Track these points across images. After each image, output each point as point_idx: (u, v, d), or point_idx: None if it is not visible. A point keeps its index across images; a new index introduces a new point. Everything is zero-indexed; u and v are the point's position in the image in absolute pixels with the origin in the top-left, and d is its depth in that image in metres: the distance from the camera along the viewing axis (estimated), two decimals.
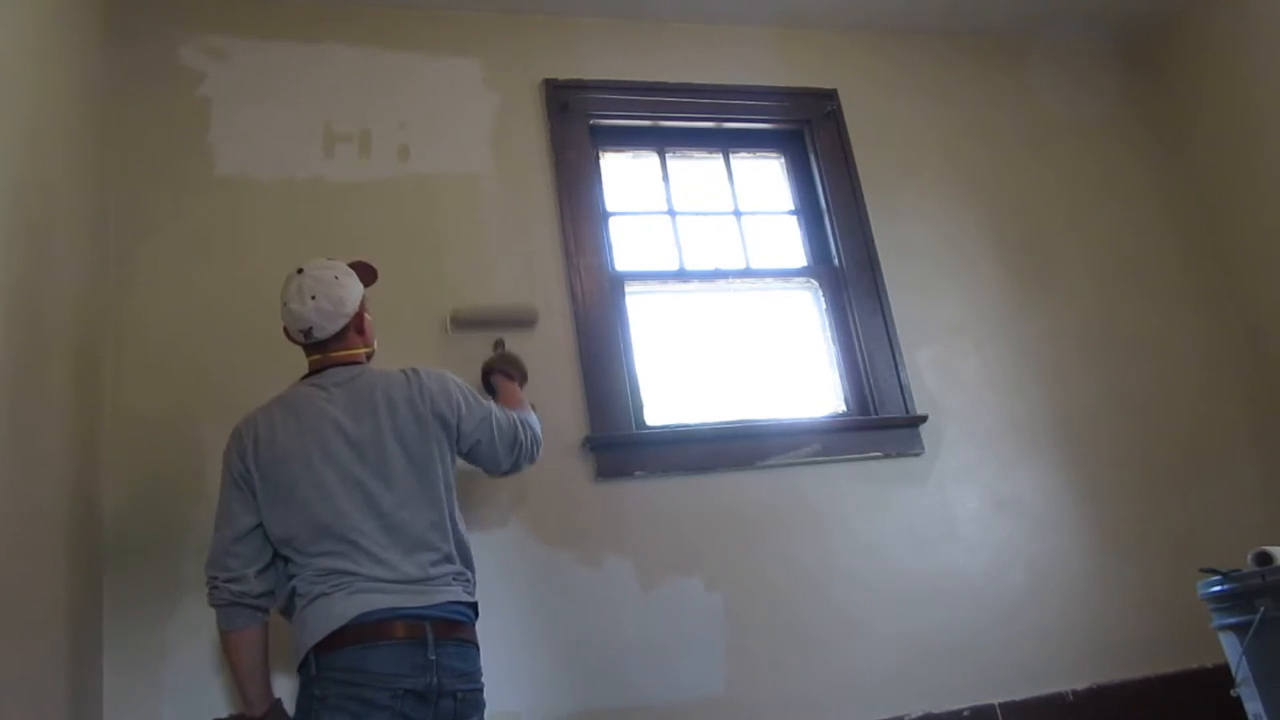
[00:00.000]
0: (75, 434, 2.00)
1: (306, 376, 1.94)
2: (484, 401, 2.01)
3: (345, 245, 2.55)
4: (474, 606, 1.85)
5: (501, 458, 2.01)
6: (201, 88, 2.67)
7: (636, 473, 2.55)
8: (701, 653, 2.42)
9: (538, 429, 2.12)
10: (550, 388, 2.58)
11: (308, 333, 1.89)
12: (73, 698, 1.84)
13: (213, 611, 1.79)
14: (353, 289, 1.93)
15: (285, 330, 1.96)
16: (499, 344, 2.52)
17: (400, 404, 1.87)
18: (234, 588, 1.76)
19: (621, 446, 2.57)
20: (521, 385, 2.36)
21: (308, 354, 1.95)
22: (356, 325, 1.95)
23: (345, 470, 1.79)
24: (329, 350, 1.92)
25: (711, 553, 2.52)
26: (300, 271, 1.91)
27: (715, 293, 2.95)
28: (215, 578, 1.77)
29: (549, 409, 2.55)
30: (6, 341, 1.60)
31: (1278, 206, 3.18)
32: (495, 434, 1.97)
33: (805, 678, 2.46)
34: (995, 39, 3.53)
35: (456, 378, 2.00)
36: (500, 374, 2.37)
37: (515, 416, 2.06)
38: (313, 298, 1.87)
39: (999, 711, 2.53)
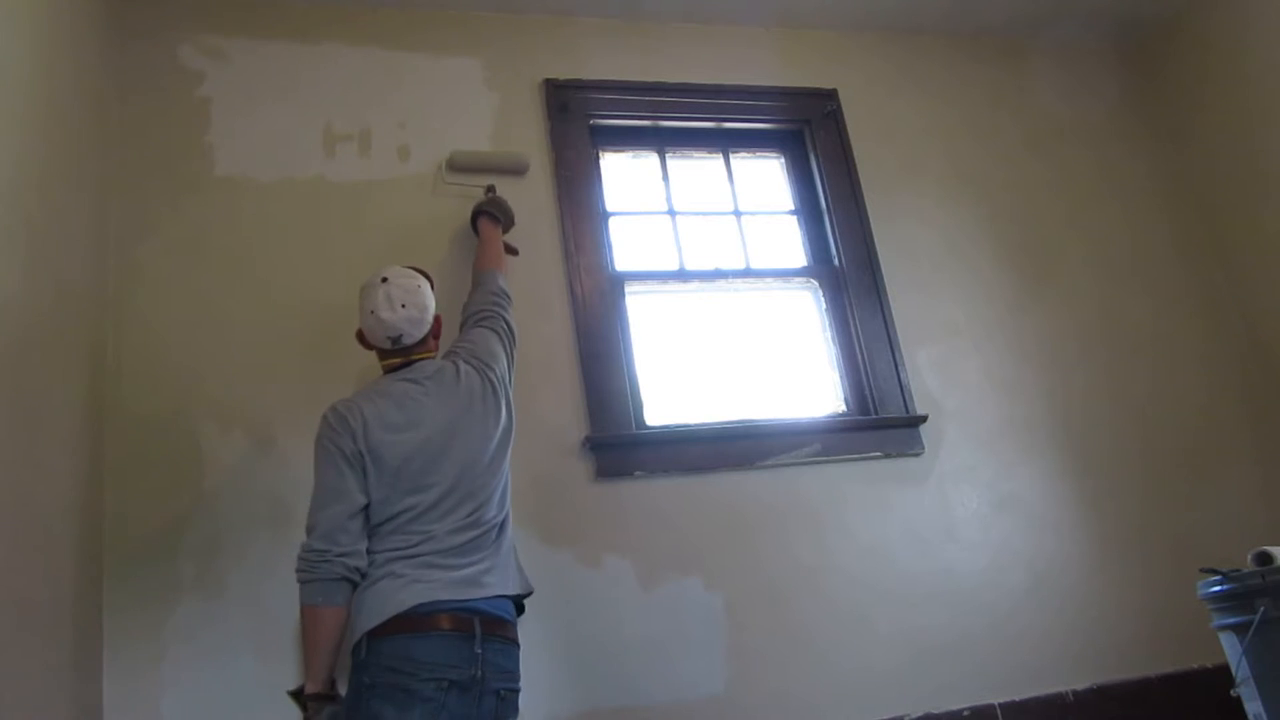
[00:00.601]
0: (75, 434, 2.00)
1: (392, 371, 2.01)
2: (496, 330, 2.17)
3: (346, 245, 2.57)
4: (520, 606, 1.91)
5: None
6: (201, 88, 2.67)
7: (636, 472, 2.55)
8: (701, 653, 2.42)
9: (508, 289, 2.31)
10: (550, 388, 2.58)
11: (396, 339, 1.98)
12: (73, 696, 1.84)
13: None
14: (431, 295, 2.05)
15: (360, 336, 2.05)
16: (490, 189, 2.64)
17: (482, 400, 1.98)
18: (349, 562, 1.76)
19: (621, 446, 2.56)
20: (506, 230, 2.56)
21: (386, 357, 2.03)
22: (434, 329, 2.06)
23: (441, 461, 1.87)
24: (410, 354, 2.01)
25: (711, 552, 2.52)
26: (385, 280, 1.98)
27: (715, 293, 2.94)
28: (327, 550, 1.75)
29: (549, 409, 2.56)
30: (7, 341, 1.61)
31: (1277, 206, 3.18)
32: (506, 324, 2.22)
33: (805, 678, 2.46)
34: (995, 39, 3.54)
35: (490, 352, 2.11)
36: (487, 215, 2.54)
37: (502, 308, 2.24)
38: (403, 306, 1.96)
39: (999, 711, 2.53)
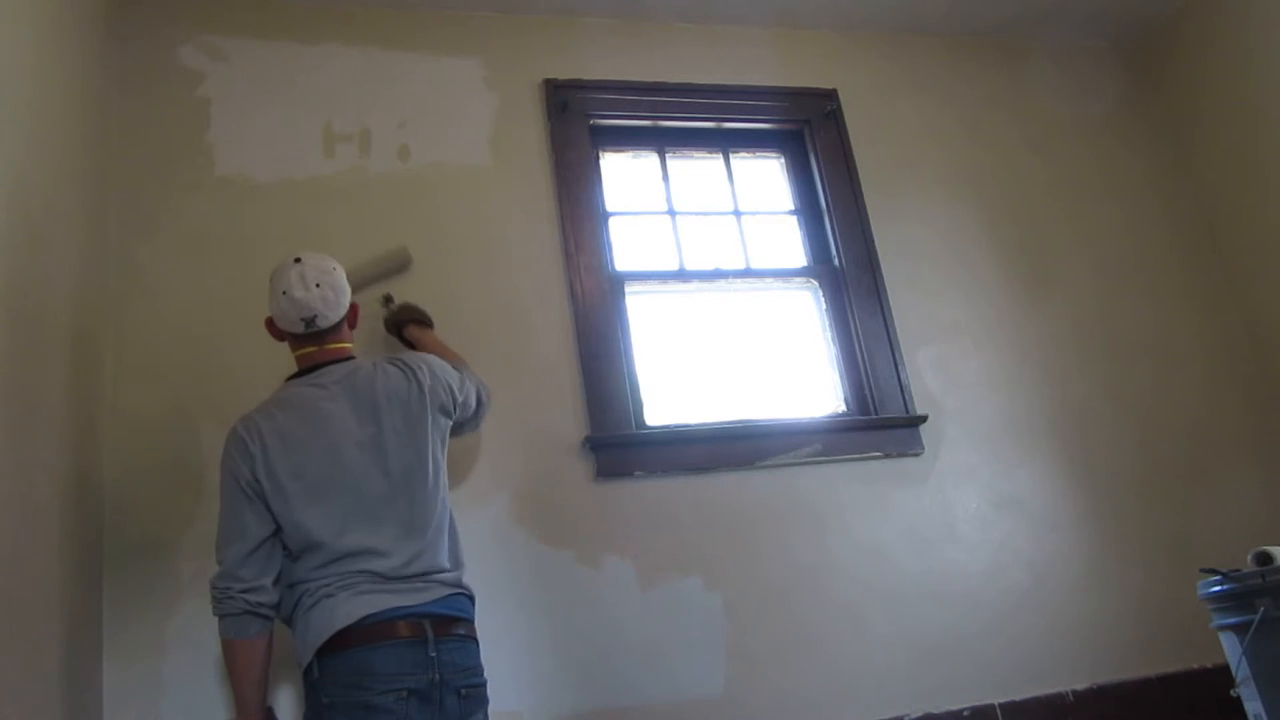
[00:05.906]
0: (75, 434, 2.00)
1: (299, 375, 1.91)
2: (458, 368, 2.08)
3: (346, 245, 2.56)
4: (472, 600, 1.86)
5: (482, 418, 2.15)
6: (201, 88, 2.67)
7: (636, 473, 2.55)
8: (701, 653, 2.42)
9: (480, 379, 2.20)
10: (550, 388, 2.58)
11: (310, 321, 1.87)
12: (72, 696, 1.84)
13: (210, 610, 1.78)
14: (346, 281, 1.95)
15: (271, 323, 1.95)
16: (388, 299, 2.49)
17: (401, 400, 1.88)
18: (250, 597, 1.72)
19: (621, 446, 2.56)
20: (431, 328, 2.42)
21: (299, 347, 1.93)
22: (350, 318, 1.97)
23: (355, 471, 1.79)
24: (325, 342, 1.92)
25: (711, 553, 2.52)
26: (298, 261, 1.88)
27: (715, 293, 2.95)
28: (229, 587, 1.72)
29: (549, 409, 2.56)
30: (6, 341, 1.61)
31: (1278, 206, 3.18)
32: (477, 395, 2.08)
33: (805, 677, 2.46)
34: (995, 39, 3.54)
35: (433, 359, 2.03)
36: (413, 324, 2.37)
37: (471, 376, 2.12)
38: (317, 285, 1.86)
39: (999, 711, 2.53)
